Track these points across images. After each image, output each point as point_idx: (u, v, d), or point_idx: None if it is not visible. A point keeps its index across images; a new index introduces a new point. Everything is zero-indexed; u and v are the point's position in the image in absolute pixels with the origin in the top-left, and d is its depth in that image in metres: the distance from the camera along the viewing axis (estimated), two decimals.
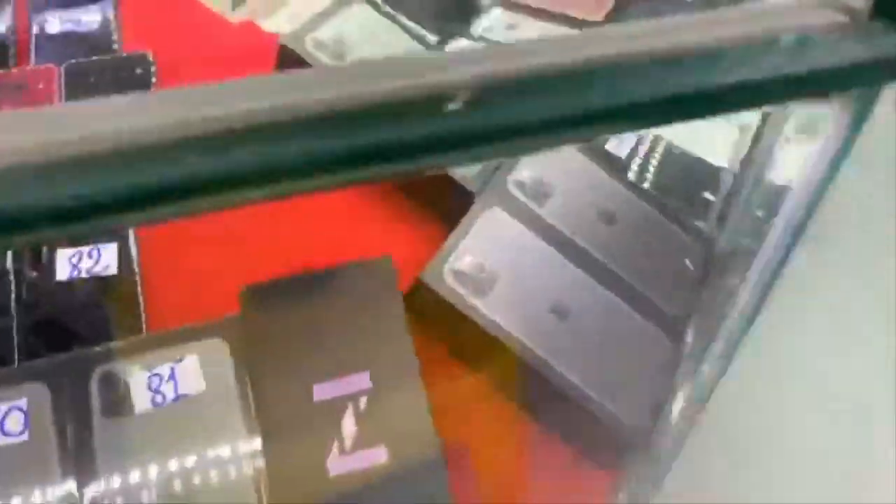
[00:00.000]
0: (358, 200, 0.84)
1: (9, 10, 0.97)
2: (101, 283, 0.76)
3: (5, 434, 0.61)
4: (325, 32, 0.82)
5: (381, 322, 0.66)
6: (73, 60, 0.89)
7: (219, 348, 0.65)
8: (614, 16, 1.23)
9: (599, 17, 1.23)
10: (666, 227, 0.80)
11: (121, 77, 0.89)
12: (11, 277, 0.76)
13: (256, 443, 0.62)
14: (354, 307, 0.67)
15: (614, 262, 0.74)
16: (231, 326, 0.66)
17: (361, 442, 0.61)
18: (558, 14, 1.22)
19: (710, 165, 0.92)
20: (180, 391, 0.63)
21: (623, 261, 0.75)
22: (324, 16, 0.84)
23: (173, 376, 0.64)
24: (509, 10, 1.21)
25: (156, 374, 0.64)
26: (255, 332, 0.65)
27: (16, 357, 0.71)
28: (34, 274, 0.76)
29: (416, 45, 0.86)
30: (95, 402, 0.63)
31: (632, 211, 0.79)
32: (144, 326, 0.74)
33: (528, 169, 0.77)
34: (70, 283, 0.76)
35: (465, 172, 0.78)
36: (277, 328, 0.65)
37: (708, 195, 0.88)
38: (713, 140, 0.99)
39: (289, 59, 0.81)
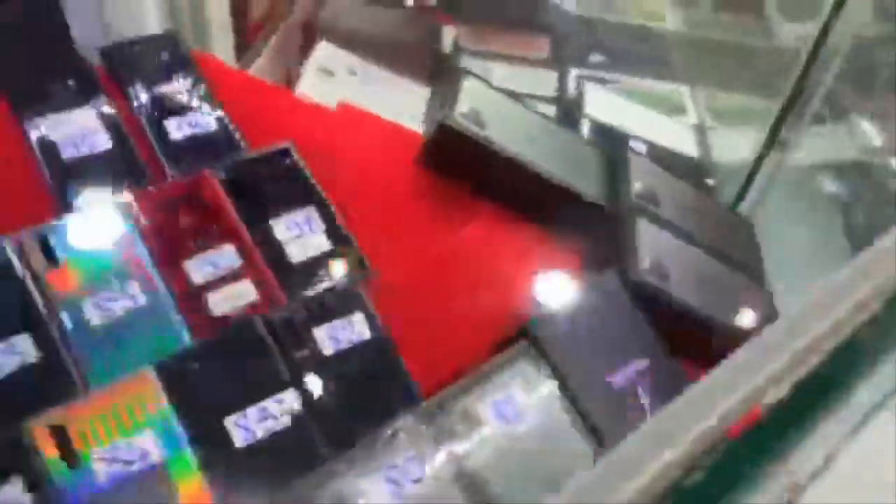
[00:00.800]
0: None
1: (109, 120, 1.01)
2: (363, 350, 0.91)
3: None
4: (461, 107, 1.02)
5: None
6: (230, 163, 0.99)
7: (532, 371, 0.85)
8: (552, 53, 1.49)
9: (544, 54, 1.49)
10: None
11: (275, 172, 1.00)
12: (280, 357, 0.88)
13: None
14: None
15: None
16: (528, 354, 0.86)
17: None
18: (509, 55, 1.46)
19: None
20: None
21: None
22: (451, 94, 1.03)
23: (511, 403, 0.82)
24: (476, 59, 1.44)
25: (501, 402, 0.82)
26: (558, 350, 0.85)
27: (319, 441, 0.84)
28: (304, 353, 0.89)
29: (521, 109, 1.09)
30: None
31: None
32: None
33: None
34: (338, 355, 0.90)
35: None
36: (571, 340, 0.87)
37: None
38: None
39: (449, 134, 0.99)
